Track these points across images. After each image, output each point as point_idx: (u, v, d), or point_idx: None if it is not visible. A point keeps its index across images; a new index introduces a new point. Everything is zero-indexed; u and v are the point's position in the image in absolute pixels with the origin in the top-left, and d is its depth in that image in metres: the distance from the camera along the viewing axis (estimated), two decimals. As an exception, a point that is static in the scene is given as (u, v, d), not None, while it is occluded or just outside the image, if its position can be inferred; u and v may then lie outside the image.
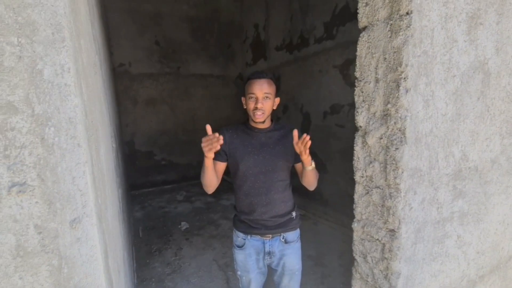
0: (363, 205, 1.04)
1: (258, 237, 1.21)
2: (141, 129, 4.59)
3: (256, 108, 1.10)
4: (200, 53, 4.86)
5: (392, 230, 0.94)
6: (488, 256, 1.24)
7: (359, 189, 1.05)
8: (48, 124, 0.51)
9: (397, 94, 0.84)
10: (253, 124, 1.20)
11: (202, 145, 0.94)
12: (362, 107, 0.97)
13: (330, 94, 3.18)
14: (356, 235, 1.09)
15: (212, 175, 1.10)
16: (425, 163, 0.93)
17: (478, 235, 1.17)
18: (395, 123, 0.87)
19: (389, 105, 0.87)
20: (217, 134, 0.92)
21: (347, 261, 2.28)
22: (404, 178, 0.88)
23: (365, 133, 0.98)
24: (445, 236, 1.05)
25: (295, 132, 1.01)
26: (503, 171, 1.19)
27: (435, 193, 0.98)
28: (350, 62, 2.85)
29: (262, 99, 1.10)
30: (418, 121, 0.87)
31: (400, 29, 0.80)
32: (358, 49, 0.96)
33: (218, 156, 1.19)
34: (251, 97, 1.11)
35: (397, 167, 0.88)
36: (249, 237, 1.22)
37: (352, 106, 2.86)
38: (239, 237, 1.25)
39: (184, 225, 3.18)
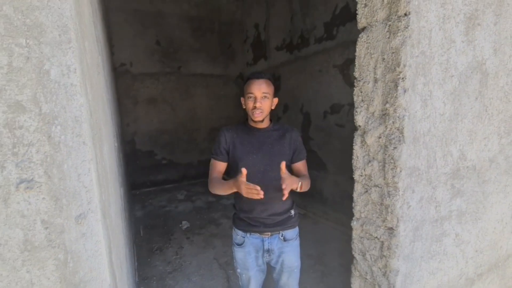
0: (362, 203, 1.05)
1: (257, 235, 1.23)
2: (142, 129, 4.61)
3: (255, 107, 1.12)
4: (200, 52, 4.88)
5: (391, 228, 0.96)
6: (486, 255, 1.26)
7: (358, 187, 1.06)
8: (54, 123, 0.53)
9: (395, 94, 0.85)
10: (252, 124, 1.21)
11: (242, 187, 0.98)
12: (361, 106, 0.99)
13: (330, 94, 3.19)
14: (355, 233, 1.10)
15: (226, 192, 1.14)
16: (423, 162, 0.94)
17: (476, 234, 1.18)
18: (393, 122, 0.88)
19: (387, 105, 0.89)
20: (258, 188, 0.95)
21: (347, 260, 2.29)
22: (402, 177, 0.89)
23: (364, 132, 0.99)
24: (443, 234, 1.07)
25: (283, 165, 1.02)
26: (501, 170, 1.20)
27: (433, 192, 0.99)
28: (350, 62, 2.86)
29: (261, 99, 1.12)
30: (416, 121, 0.88)
31: (399, 30, 0.82)
32: (357, 49, 0.97)
33: (220, 157, 1.21)
34: (250, 97, 1.13)
35: (395, 166, 0.89)
36: (248, 235, 1.24)
37: (352, 106, 2.87)
38: (238, 235, 1.26)
39: (185, 224, 3.20)
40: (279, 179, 1.21)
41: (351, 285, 1.16)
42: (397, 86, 0.85)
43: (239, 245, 1.26)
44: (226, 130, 1.23)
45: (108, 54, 2.30)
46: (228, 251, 2.55)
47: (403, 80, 0.83)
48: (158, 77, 4.62)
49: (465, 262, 1.17)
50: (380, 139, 0.93)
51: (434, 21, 0.85)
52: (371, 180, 0.99)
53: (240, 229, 1.26)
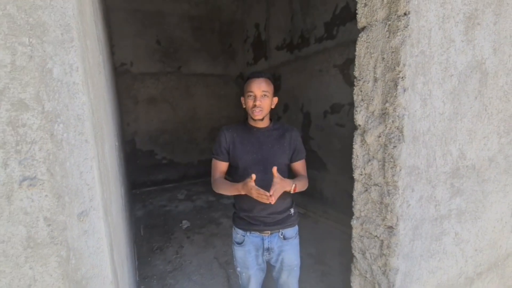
0: (362, 202, 1.06)
1: (257, 233, 1.23)
2: (142, 128, 4.62)
3: (254, 106, 1.13)
4: (201, 52, 4.89)
5: (390, 227, 0.96)
6: (486, 254, 1.26)
7: (358, 186, 1.06)
8: (57, 121, 0.54)
9: (395, 93, 0.86)
10: (252, 123, 1.22)
11: (253, 192, 1.02)
12: (361, 106, 0.99)
13: (331, 94, 3.19)
14: (355, 232, 1.10)
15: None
16: (423, 161, 0.94)
17: (475, 233, 1.18)
18: (393, 121, 0.89)
19: (387, 104, 0.89)
20: (268, 194, 0.99)
21: (347, 260, 2.29)
22: (402, 175, 0.90)
23: (364, 131, 0.99)
24: (443, 233, 1.07)
25: (274, 170, 1.05)
26: (501, 169, 1.20)
27: (433, 191, 1.00)
28: (350, 62, 2.86)
29: (261, 97, 1.13)
30: (416, 120, 0.89)
31: (398, 29, 0.82)
32: (357, 49, 0.98)
33: (221, 156, 1.22)
34: (250, 95, 1.14)
35: (395, 165, 0.90)
36: (248, 233, 1.24)
37: (352, 105, 2.87)
38: (238, 233, 1.27)
39: (185, 224, 3.21)
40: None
41: (351, 284, 1.17)
42: (396, 85, 0.85)
43: (239, 244, 1.27)
44: (226, 129, 1.23)
45: (108, 53, 2.31)
46: (229, 251, 2.56)
47: (403, 79, 0.84)
48: (159, 77, 4.63)
49: (464, 261, 1.18)
50: (380, 138, 0.94)
51: (434, 20, 0.85)
52: (371, 179, 1.00)
53: (240, 228, 1.26)
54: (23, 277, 0.55)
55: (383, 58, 0.88)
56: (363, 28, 0.95)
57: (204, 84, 5.00)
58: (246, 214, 1.23)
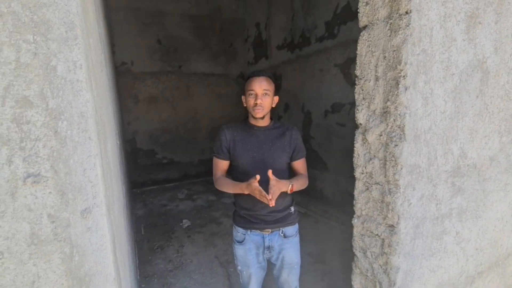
0: (363, 201, 1.06)
1: (258, 231, 1.24)
2: (142, 128, 4.62)
3: (255, 104, 1.14)
4: (201, 51, 4.89)
5: (392, 226, 0.96)
6: (486, 253, 1.26)
7: (359, 185, 1.07)
8: (61, 118, 0.54)
9: (396, 92, 0.86)
10: (252, 122, 1.23)
11: (256, 193, 1.05)
12: (362, 104, 0.99)
13: (331, 93, 3.19)
14: (356, 231, 1.11)
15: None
16: (424, 160, 0.94)
17: (476, 232, 1.19)
18: (394, 120, 0.89)
19: (388, 103, 0.89)
20: (269, 197, 1.01)
21: (347, 259, 2.30)
22: (403, 174, 0.90)
23: (365, 130, 1.00)
24: (444, 232, 1.07)
25: (270, 173, 1.06)
26: (502, 168, 1.20)
27: (434, 190, 1.00)
28: (351, 61, 2.87)
29: (262, 96, 1.14)
30: (417, 119, 0.89)
31: (400, 28, 0.82)
32: (358, 47, 0.98)
33: (221, 155, 1.22)
34: (251, 94, 1.15)
35: (396, 164, 0.90)
36: (249, 232, 1.25)
37: (353, 105, 2.88)
38: (239, 232, 1.27)
39: (185, 223, 3.21)
40: (278, 177, 1.22)
41: (352, 283, 1.17)
42: (398, 84, 0.85)
43: (240, 242, 1.27)
44: (227, 128, 1.24)
45: (109, 52, 2.31)
46: (229, 250, 2.56)
47: (404, 78, 0.84)
48: (159, 76, 4.63)
49: (465, 260, 1.18)
50: (381, 137, 0.94)
51: (435, 19, 0.86)
52: (372, 177, 1.00)
53: (240, 226, 1.27)
54: (27, 274, 0.55)
55: (385, 57, 0.88)
56: (365, 27, 0.95)
57: (205, 83, 5.00)
58: (247, 213, 1.23)
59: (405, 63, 0.83)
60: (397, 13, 0.83)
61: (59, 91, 0.53)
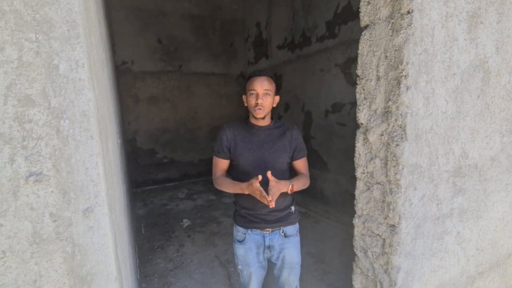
0: (364, 201, 1.06)
1: (258, 231, 1.24)
2: (143, 127, 4.62)
3: (256, 104, 1.14)
4: (202, 51, 4.88)
5: (393, 226, 0.96)
6: (487, 253, 1.26)
7: (360, 185, 1.07)
8: (63, 117, 0.54)
9: (398, 92, 0.86)
10: (253, 122, 1.23)
11: (257, 194, 1.05)
12: (364, 104, 0.99)
13: (332, 93, 3.19)
14: (357, 231, 1.11)
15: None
16: (425, 160, 0.94)
17: (477, 232, 1.19)
18: (395, 120, 0.89)
19: (390, 103, 0.89)
20: (269, 198, 1.02)
21: (348, 259, 2.30)
22: (404, 174, 0.90)
23: (366, 130, 1.00)
24: (445, 232, 1.07)
25: (269, 174, 1.07)
26: (503, 169, 1.20)
27: (435, 190, 1.00)
28: (352, 61, 2.86)
29: (263, 95, 1.14)
30: (419, 118, 0.89)
31: (401, 27, 0.82)
32: (360, 47, 0.98)
33: (222, 154, 1.22)
34: (252, 94, 1.15)
35: (397, 163, 0.90)
36: (249, 231, 1.25)
37: (353, 104, 2.88)
38: (239, 231, 1.27)
39: (186, 222, 3.21)
40: (279, 177, 1.22)
41: (353, 282, 1.17)
42: (399, 84, 0.85)
43: (240, 241, 1.27)
44: (227, 127, 1.24)
45: (110, 52, 2.31)
46: (229, 249, 2.56)
47: (406, 78, 0.84)
48: (160, 76, 4.63)
49: (466, 260, 1.18)
50: (383, 137, 0.94)
51: (437, 19, 0.85)
52: (373, 177, 1.00)
53: (241, 226, 1.27)
54: (29, 273, 0.55)
55: (386, 57, 0.88)
56: (366, 27, 0.95)
57: (205, 83, 5.00)
58: (247, 212, 1.23)
59: (407, 63, 0.83)
60: (398, 12, 0.83)
61: (61, 90, 0.53)
